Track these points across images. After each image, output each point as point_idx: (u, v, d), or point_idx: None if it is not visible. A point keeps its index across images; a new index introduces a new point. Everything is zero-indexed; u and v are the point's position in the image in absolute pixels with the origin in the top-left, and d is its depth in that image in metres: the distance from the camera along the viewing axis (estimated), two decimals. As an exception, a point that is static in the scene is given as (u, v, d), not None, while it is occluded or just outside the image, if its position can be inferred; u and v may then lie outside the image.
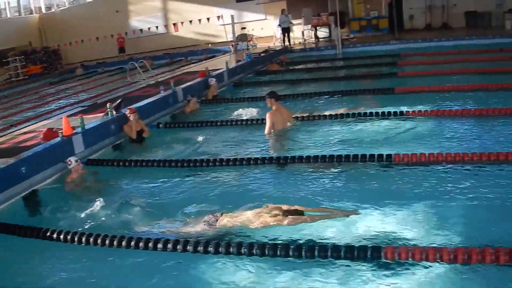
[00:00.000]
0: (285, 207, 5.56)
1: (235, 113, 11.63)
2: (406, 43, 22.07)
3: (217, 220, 5.64)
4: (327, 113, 10.32)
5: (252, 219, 5.51)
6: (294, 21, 26.99)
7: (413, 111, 9.64)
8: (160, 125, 11.21)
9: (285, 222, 5.35)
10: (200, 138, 9.83)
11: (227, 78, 16.56)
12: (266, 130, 9.36)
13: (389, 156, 7.24)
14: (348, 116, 10.01)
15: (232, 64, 18.14)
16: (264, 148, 8.93)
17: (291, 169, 7.55)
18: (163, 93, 12.69)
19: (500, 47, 18.66)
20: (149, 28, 31.03)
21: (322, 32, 28.19)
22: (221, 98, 13.91)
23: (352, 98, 12.17)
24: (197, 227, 5.69)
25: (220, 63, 18.21)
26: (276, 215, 5.41)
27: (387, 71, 15.59)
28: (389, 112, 9.75)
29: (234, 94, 14.88)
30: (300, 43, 26.57)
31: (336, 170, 7.21)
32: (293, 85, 15.18)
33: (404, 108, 9.86)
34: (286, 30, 25.04)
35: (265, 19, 30.57)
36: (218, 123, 10.85)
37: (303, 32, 27.00)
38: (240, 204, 5.99)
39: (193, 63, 23.60)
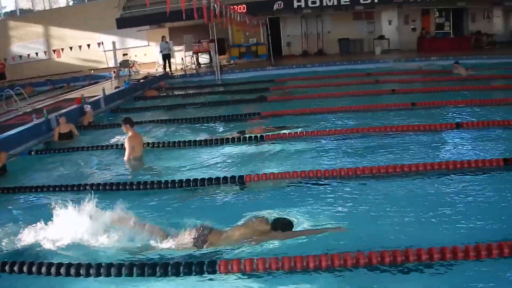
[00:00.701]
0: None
1: (109, 138, 12.08)
2: (282, 69, 23.97)
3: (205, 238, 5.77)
4: (190, 138, 11.04)
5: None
6: (176, 48, 28.37)
7: (272, 135, 10.66)
8: (32, 153, 11.42)
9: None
10: (72, 163, 10.17)
11: (104, 105, 17.02)
12: (126, 156, 9.78)
13: (241, 177, 7.89)
14: (211, 142, 10.70)
15: (110, 91, 18.67)
16: (127, 173, 9.40)
17: (156, 193, 7.86)
18: (36, 121, 12.88)
19: (367, 72, 21.19)
20: (28, 55, 30.53)
21: (204, 59, 29.59)
22: (96, 124, 14.40)
23: (224, 123, 13.03)
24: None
25: (100, 90, 18.62)
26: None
27: (258, 96, 16.76)
28: (250, 137, 10.60)
29: (110, 120, 15.36)
30: (181, 69, 27.75)
31: (197, 193, 7.72)
32: (169, 111, 16.04)
33: (265, 133, 10.85)
34: (166, 57, 26.03)
35: (148, 45, 31.62)
36: (90, 148, 11.23)
37: (182, 58, 28.05)
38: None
39: (76, 89, 23.59)
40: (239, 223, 5.98)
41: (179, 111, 15.88)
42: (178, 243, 5.73)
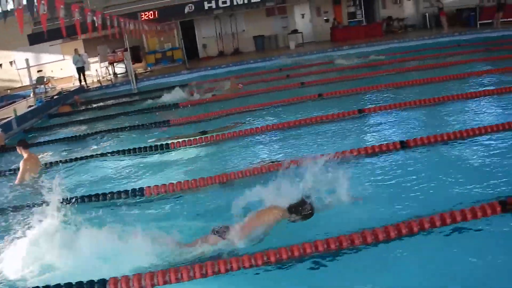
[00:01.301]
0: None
1: (19, 161, 11.46)
2: (197, 72, 24.82)
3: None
4: (99, 152, 11.21)
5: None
6: (92, 59, 28.46)
7: (177, 143, 10.89)
8: None
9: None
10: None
11: (17, 126, 16.89)
12: (18, 180, 9.72)
13: (140, 189, 7.98)
14: (118, 153, 10.83)
15: (23, 110, 18.61)
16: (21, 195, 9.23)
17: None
18: None
19: (279, 68, 22.44)
20: None
21: (120, 68, 30.04)
22: (9, 147, 14.35)
23: (135, 133, 13.33)
24: None
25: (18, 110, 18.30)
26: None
27: (171, 102, 17.35)
28: (156, 146, 10.84)
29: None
30: (98, 81, 28.06)
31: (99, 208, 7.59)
32: (83, 125, 16.10)
33: (170, 140, 11.14)
34: (80, 70, 26.09)
35: (63, 59, 31.44)
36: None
37: (96, 70, 28.33)
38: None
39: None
40: (252, 213, 5.95)
41: (92, 125, 15.98)
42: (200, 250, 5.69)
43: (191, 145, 10.90)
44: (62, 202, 7.32)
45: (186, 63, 27.22)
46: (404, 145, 8.61)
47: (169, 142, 11.04)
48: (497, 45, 22.44)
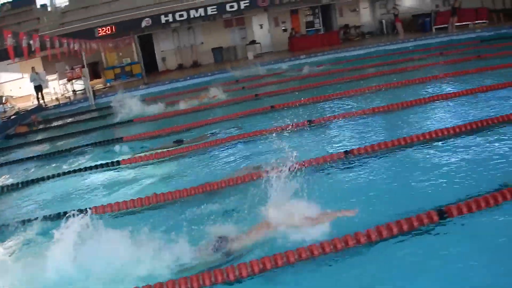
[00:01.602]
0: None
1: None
2: (154, 87, 25.08)
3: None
4: (49, 173, 11.13)
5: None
6: (51, 76, 28.51)
7: (129, 159, 11.08)
8: None
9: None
10: None
11: None
12: None
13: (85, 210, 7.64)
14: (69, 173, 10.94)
15: None
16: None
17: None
18: None
19: (236, 79, 23.06)
20: None
21: (79, 85, 30.13)
22: None
23: (89, 150, 13.30)
24: None
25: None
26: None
27: (129, 119, 17.45)
28: (107, 163, 10.99)
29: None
30: (56, 99, 28.18)
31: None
32: (40, 145, 16.10)
33: (121, 157, 11.33)
34: (38, 88, 26.04)
35: (22, 77, 31.17)
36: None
37: (54, 88, 28.38)
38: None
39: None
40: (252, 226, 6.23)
41: (49, 144, 15.97)
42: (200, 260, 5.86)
43: (148, 160, 11.12)
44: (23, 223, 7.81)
45: (144, 78, 27.65)
46: (348, 154, 8.98)
47: (123, 158, 11.28)
48: (452, 48, 23.51)
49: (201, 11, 28.64)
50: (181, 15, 28.43)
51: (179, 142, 12.10)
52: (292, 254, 5.55)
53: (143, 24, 28.23)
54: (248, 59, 30.34)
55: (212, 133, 12.66)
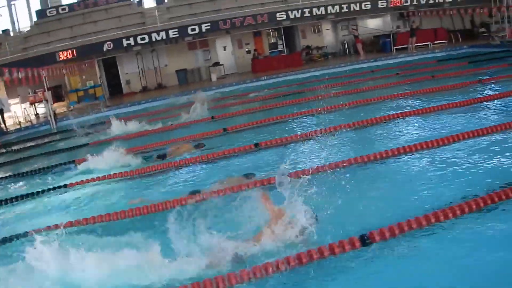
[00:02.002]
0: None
1: None
2: (117, 109, 25.24)
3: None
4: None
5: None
6: (14, 100, 28.73)
7: (71, 183, 11.37)
8: None
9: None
10: None
11: None
12: None
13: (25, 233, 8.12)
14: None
15: None
16: None
17: None
18: None
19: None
20: None
21: (42, 108, 30.44)
22: None
23: (44, 175, 13.33)
24: None
25: None
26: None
27: (85, 142, 17.69)
28: (54, 187, 11.22)
29: None
30: (19, 122, 28.46)
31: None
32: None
33: (69, 181, 11.59)
34: (0, 112, 26.34)
35: (-16, 102, 31.60)
36: None
37: (15, 112, 28.22)
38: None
39: None
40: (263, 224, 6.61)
41: (9, 168, 16.00)
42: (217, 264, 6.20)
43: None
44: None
45: (106, 101, 28.13)
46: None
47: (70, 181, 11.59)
48: (410, 68, 24.63)
49: (162, 34, 29.22)
50: (142, 39, 29.03)
51: (162, 157, 12.66)
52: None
53: (105, 47, 28.77)
54: (211, 81, 31.09)
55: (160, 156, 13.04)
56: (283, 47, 35.44)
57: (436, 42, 33.70)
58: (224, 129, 15.50)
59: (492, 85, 17.18)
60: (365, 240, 6.19)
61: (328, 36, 36.08)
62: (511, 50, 27.93)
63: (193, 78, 32.87)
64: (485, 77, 18.48)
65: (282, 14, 31.25)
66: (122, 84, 33.03)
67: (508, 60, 23.47)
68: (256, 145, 12.55)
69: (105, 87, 30.97)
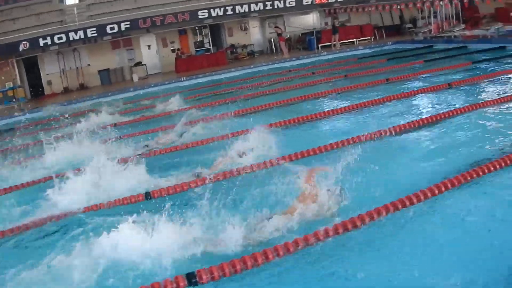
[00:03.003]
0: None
1: None
2: (37, 112, 24.15)
3: None
4: None
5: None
6: None
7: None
8: None
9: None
10: None
11: None
12: None
13: None
14: None
15: None
16: None
17: None
18: None
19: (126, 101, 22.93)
20: None
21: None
22: None
23: None
24: None
25: None
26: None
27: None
28: None
29: None
30: None
31: None
32: None
33: None
34: None
35: None
36: None
37: None
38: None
39: None
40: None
41: None
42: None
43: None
44: None
45: (20, 104, 27.85)
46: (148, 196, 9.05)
47: None
48: (329, 67, 25.45)
49: (80, 33, 28.94)
50: (60, 38, 28.71)
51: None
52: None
53: (21, 47, 28.61)
54: (133, 81, 31.39)
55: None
56: (210, 46, 35.76)
57: (362, 38, 34.94)
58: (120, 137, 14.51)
59: (397, 84, 18.02)
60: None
61: (255, 34, 36.62)
62: (434, 45, 29.39)
63: (116, 78, 32.81)
64: (392, 76, 19.34)
65: (204, 12, 31.51)
66: (44, 85, 32.80)
67: (428, 56, 24.84)
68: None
69: (26, 89, 30.69)
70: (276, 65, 28.71)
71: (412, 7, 33.12)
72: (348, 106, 14.93)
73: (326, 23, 36.18)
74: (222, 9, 31.80)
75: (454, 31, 30.28)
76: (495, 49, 24.34)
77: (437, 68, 20.43)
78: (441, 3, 30.73)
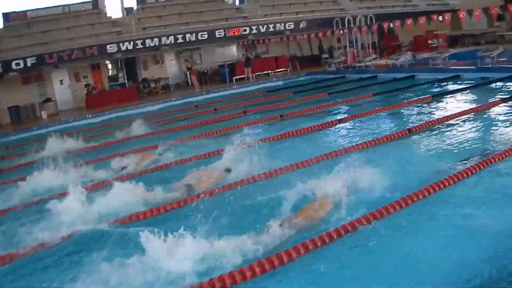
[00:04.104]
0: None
1: None
2: None
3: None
4: None
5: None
6: None
7: None
8: None
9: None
10: None
11: None
12: None
13: None
14: None
15: None
16: None
17: None
18: None
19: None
20: None
21: None
22: None
23: None
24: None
25: None
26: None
27: None
28: None
29: None
30: None
31: None
32: None
33: None
34: None
35: None
36: None
37: None
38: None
39: None
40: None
41: None
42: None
43: None
44: None
45: None
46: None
47: None
48: (234, 102, 25.73)
49: (-16, 71, 28.78)
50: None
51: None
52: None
53: None
54: (42, 118, 30.92)
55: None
56: (125, 80, 35.64)
57: (278, 70, 36.02)
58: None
59: (292, 121, 18.05)
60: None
61: (171, 67, 36.90)
62: (346, 76, 30.51)
63: (27, 115, 32.40)
64: (285, 113, 19.54)
65: (112, 47, 31.63)
66: None
67: (335, 88, 25.81)
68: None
69: None
70: (185, 100, 28.95)
71: (331, 35, 34.29)
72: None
73: (243, 55, 36.95)
74: (131, 43, 31.93)
75: (365, 61, 31.50)
76: (404, 78, 25.66)
77: (338, 102, 21.36)
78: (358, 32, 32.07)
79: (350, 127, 16.22)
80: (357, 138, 14.32)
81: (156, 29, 33.63)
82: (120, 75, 36.08)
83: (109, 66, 36.57)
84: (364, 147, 12.79)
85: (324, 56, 38.03)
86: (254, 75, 34.24)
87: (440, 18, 28.05)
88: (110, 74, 36.12)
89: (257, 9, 37.40)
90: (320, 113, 19.41)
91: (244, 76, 34.01)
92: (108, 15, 36.22)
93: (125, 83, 35.67)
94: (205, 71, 36.62)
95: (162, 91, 35.00)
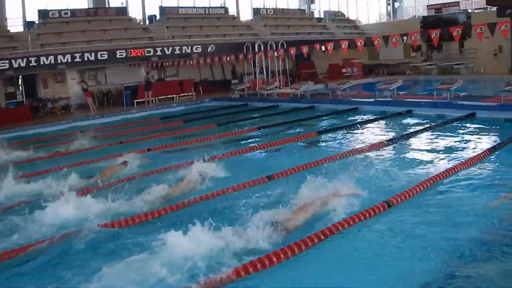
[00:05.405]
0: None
1: None
2: None
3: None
4: None
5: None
6: None
7: None
8: None
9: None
10: None
11: None
12: None
13: None
14: None
15: None
16: None
17: None
18: None
19: None
20: None
21: None
22: None
23: None
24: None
25: None
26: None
27: None
28: None
29: None
30: None
31: None
32: None
33: None
34: None
35: None
36: None
37: None
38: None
39: None
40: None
41: None
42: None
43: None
44: None
45: None
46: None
47: None
48: (125, 128, 24.96)
49: None
50: None
51: None
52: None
53: None
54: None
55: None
56: (23, 98, 34.25)
57: (182, 94, 35.73)
58: None
59: (155, 156, 16.86)
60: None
61: (74, 87, 35.67)
62: (249, 103, 30.35)
63: None
64: (153, 146, 18.48)
65: (4, 63, 30.17)
66: None
67: (234, 116, 25.76)
68: None
69: None
70: (72, 124, 27.78)
71: (243, 60, 34.21)
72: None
73: (148, 78, 36.32)
74: (24, 60, 30.59)
75: (267, 89, 31.51)
76: (304, 108, 25.84)
77: (227, 133, 20.77)
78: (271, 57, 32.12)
79: (215, 167, 13.66)
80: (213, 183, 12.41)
81: (55, 46, 32.45)
82: (19, 92, 34.54)
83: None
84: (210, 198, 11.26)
85: (233, 81, 37.95)
86: (157, 98, 33.70)
87: (351, 45, 27.65)
88: (6, 91, 34.40)
89: (165, 30, 36.98)
90: (191, 149, 17.75)
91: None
92: (7, 28, 35.10)
93: (23, 101, 34.16)
94: (109, 92, 35.69)
95: (61, 111, 33.86)
